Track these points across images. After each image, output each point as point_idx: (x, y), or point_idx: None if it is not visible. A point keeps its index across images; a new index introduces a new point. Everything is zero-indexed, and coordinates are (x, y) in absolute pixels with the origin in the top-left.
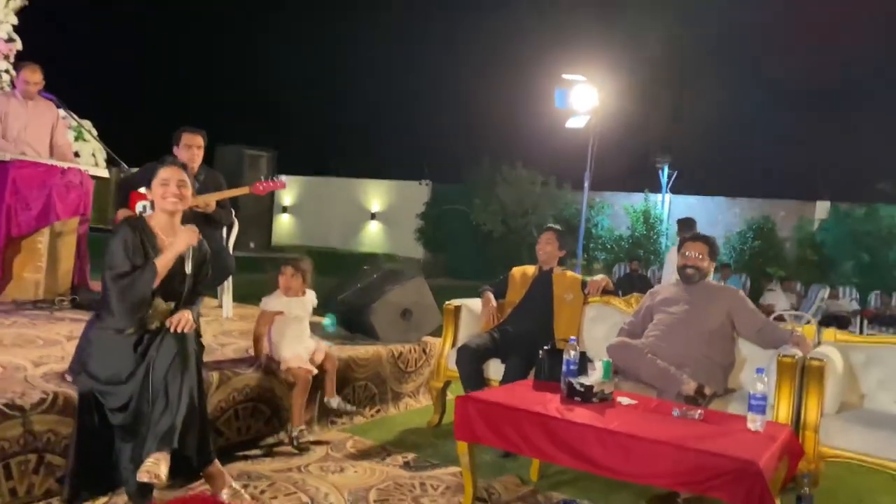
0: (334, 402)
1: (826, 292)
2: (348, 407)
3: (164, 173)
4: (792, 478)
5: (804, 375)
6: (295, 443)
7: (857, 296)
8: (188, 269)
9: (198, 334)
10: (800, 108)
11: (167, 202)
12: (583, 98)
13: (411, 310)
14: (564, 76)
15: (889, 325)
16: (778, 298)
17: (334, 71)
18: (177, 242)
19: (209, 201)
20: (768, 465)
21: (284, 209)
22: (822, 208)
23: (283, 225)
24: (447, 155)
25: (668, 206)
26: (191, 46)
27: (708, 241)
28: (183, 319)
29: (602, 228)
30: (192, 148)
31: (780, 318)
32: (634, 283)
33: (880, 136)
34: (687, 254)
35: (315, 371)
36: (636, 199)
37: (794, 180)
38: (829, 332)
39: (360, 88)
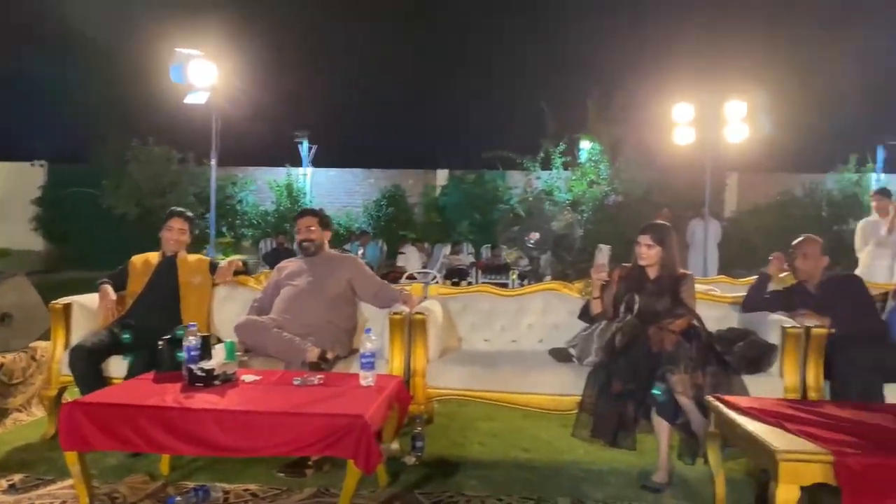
0: None
1: (448, 249)
2: None
3: None
4: (407, 421)
5: (412, 329)
6: None
7: (473, 250)
8: None
9: None
10: (421, 85)
11: None
12: (201, 73)
13: (12, 314)
14: (178, 50)
15: (497, 272)
16: (410, 259)
17: None
18: None
19: None
20: (375, 416)
21: None
22: (441, 176)
23: None
24: (65, 132)
25: (311, 179)
26: None
27: (315, 213)
28: None
29: (247, 204)
30: None
31: (412, 277)
32: (281, 257)
33: (489, 111)
34: (298, 229)
35: None
36: (280, 174)
37: (420, 152)
38: (434, 288)
39: None
